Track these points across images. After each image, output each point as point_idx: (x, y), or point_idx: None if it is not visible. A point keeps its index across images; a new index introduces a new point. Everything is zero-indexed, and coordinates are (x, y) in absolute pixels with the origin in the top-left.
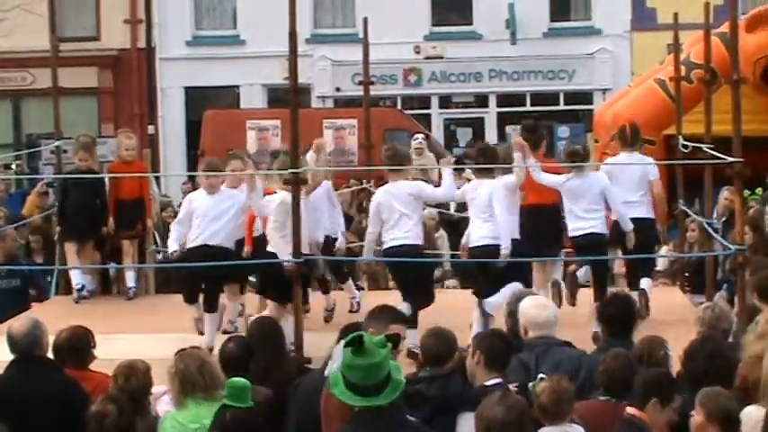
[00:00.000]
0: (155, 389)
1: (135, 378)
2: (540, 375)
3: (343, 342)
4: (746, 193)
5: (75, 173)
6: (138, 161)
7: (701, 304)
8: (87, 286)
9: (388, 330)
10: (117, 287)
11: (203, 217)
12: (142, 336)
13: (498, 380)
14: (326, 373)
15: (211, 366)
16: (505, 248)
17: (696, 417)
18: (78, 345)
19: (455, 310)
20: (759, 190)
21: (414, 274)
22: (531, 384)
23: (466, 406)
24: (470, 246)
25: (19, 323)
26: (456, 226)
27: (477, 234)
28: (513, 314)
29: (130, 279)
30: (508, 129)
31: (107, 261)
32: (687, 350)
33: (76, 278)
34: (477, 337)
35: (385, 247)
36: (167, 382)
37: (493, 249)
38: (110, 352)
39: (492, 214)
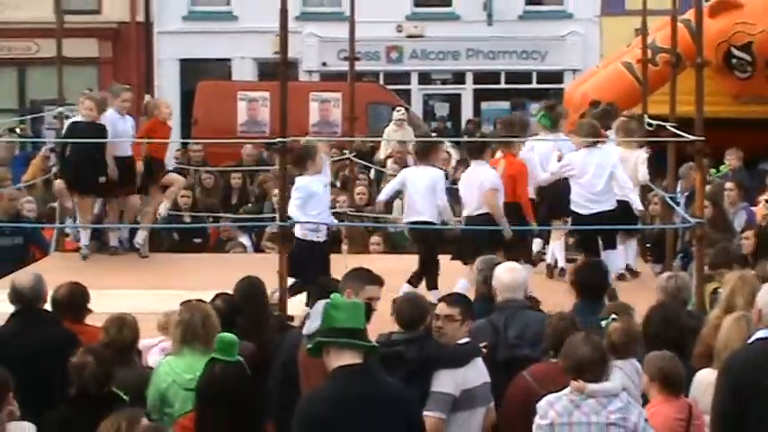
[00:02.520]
0: (145, 341)
1: (127, 330)
2: (613, 316)
3: (321, 302)
4: (713, 171)
5: (81, 123)
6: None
7: (660, 273)
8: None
9: (365, 291)
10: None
11: None
12: (133, 291)
13: (468, 338)
14: (305, 331)
15: (214, 321)
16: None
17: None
18: (76, 300)
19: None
20: (723, 167)
21: None
22: (603, 322)
23: (441, 364)
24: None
25: (24, 277)
26: None
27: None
28: (486, 280)
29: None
30: (483, 105)
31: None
32: (644, 317)
33: (84, 239)
34: (465, 306)
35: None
36: (170, 329)
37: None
38: (101, 306)
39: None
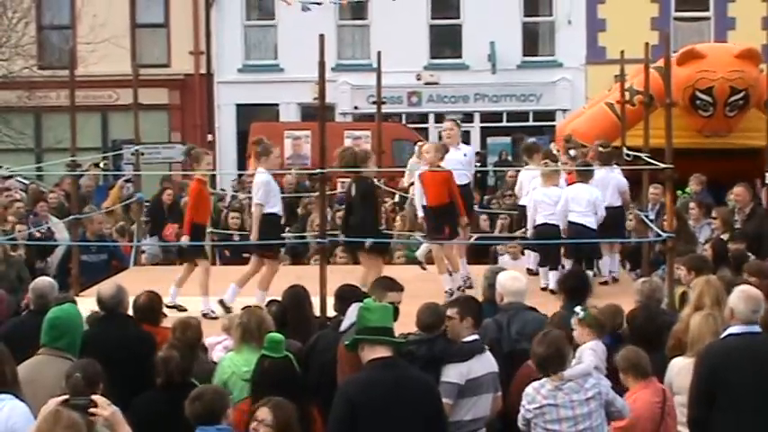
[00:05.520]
0: (210, 339)
1: (190, 331)
2: (585, 307)
3: (356, 305)
4: (678, 192)
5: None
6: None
7: (637, 279)
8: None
9: (387, 297)
10: None
11: None
12: (199, 298)
13: (476, 336)
14: (342, 328)
15: (267, 324)
16: None
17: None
18: (153, 306)
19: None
20: (688, 189)
21: None
22: (578, 308)
23: (449, 359)
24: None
25: (106, 287)
26: None
27: None
28: (492, 286)
29: None
30: (489, 140)
31: None
32: (629, 315)
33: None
34: (463, 305)
35: None
36: (232, 329)
37: None
38: (174, 310)
39: None
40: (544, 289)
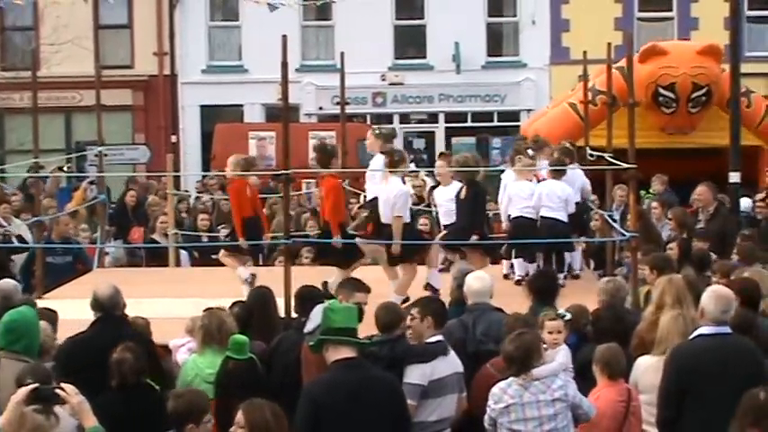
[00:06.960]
0: (174, 341)
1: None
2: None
3: (320, 305)
4: (643, 193)
5: None
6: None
7: (601, 278)
8: None
9: (354, 297)
10: None
11: None
12: (163, 300)
13: (440, 337)
14: (306, 329)
15: (228, 326)
16: None
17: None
18: None
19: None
20: (652, 189)
21: None
22: (562, 310)
23: (411, 359)
24: None
25: (103, 288)
26: None
27: None
28: (460, 287)
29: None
30: (453, 140)
31: None
32: (594, 315)
33: None
34: (423, 305)
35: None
36: (194, 331)
37: None
38: (141, 311)
39: None
40: (506, 276)
